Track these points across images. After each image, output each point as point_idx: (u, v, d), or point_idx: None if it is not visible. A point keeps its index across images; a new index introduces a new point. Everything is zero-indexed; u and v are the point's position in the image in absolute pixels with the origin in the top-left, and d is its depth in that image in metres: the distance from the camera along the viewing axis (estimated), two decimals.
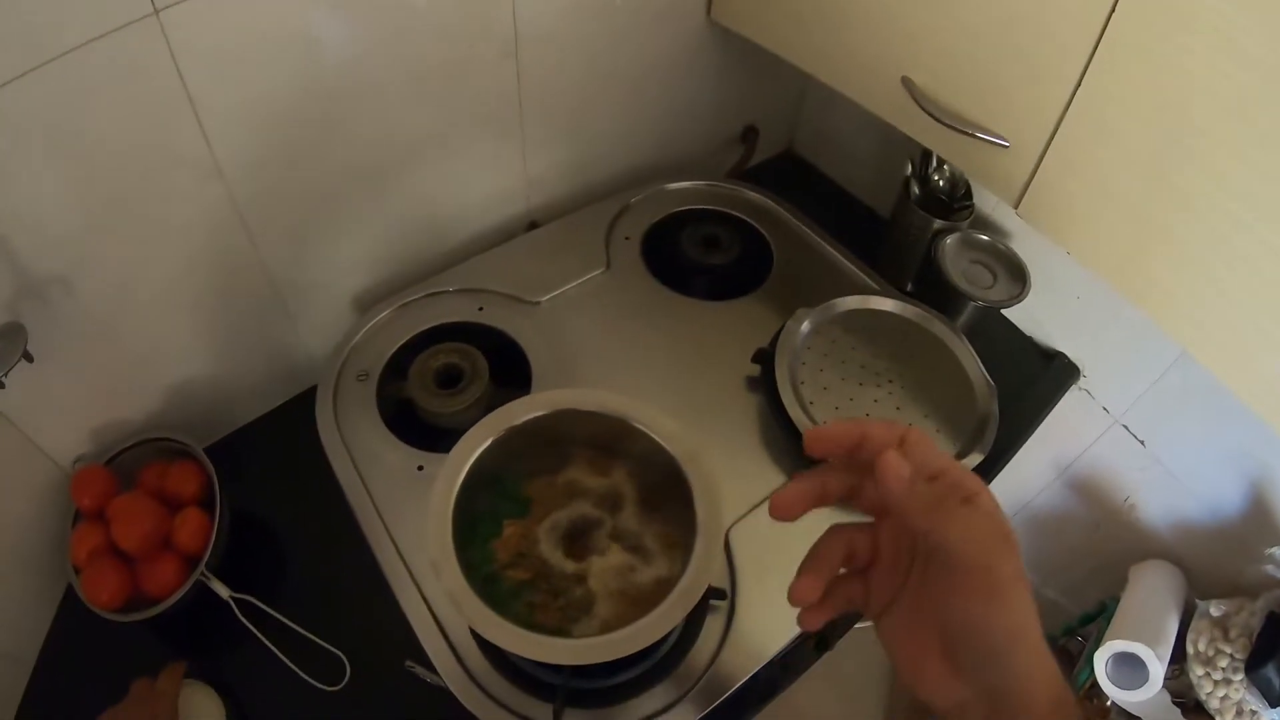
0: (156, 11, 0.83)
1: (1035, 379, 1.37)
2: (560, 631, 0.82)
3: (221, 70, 0.93)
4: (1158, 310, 0.89)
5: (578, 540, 0.88)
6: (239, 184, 1.03)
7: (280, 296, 1.19)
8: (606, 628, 0.82)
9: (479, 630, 0.77)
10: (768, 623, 0.98)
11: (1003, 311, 1.39)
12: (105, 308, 1.02)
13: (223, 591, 1.05)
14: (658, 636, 0.79)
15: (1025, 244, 1.33)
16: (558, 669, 0.92)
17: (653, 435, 0.88)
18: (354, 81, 1.04)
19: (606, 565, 0.86)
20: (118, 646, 1.05)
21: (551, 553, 0.86)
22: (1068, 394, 1.41)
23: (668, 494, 0.88)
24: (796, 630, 0.98)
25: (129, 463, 1.12)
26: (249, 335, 1.21)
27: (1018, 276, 1.29)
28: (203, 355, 1.18)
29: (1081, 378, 1.41)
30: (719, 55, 1.40)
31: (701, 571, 0.81)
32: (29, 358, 0.92)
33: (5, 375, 0.89)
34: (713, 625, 0.99)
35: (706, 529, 0.83)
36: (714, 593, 0.95)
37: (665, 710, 0.92)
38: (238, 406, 1.28)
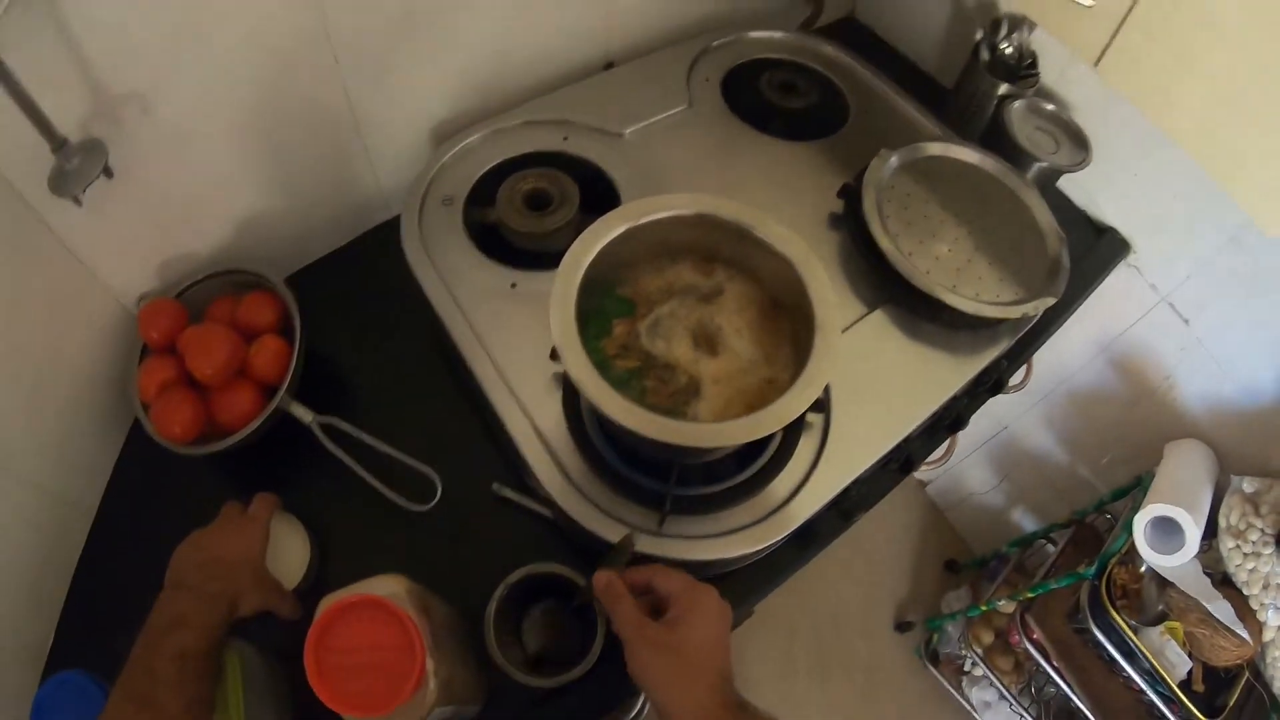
0: None
1: (1086, 252, 1.37)
2: (674, 414, 0.83)
3: None
4: (1227, 178, 0.91)
5: (685, 337, 0.88)
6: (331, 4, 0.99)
7: (359, 126, 1.16)
8: (719, 418, 0.84)
9: (604, 408, 0.77)
10: (859, 442, 1.00)
11: (1058, 185, 1.39)
12: (181, 131, 0.99)
13: (305, 416, 1.03)
14: (780, 425, 0.79)
15: (1085, 117, 1.32)
16: (664, 475, 0.92)
17: (767, 240, 0.87)
18: None
19: (718, 363, 0.87)
20: (189, 482, 1.04)
21: (658, 346, 0.87)
22: (1115, 270, 1.42)
23: (779, 302, 0.89)
24: (888, 446, 1.01)
25: (197, 298, 1.10)
26: (322, 166, 1.18)
27: (1080, 144, 1.30)
28: (274, 185, 1.15)
29: (1131, 254, 1.41)
30: None
31: (823, 365, 0.81)
32: (109, 173, 0.89)
33: (84, 192, 0.87)
34: (806, 445, 0.99)
35: (825, 327, 0.83)
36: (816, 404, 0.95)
37: (756, 523, 0.94)
38: (309, 240, 1.25)
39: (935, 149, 1.20)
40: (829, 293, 0.84)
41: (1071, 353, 1.64)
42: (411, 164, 1.22)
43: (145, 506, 1.06)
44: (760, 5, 1.53)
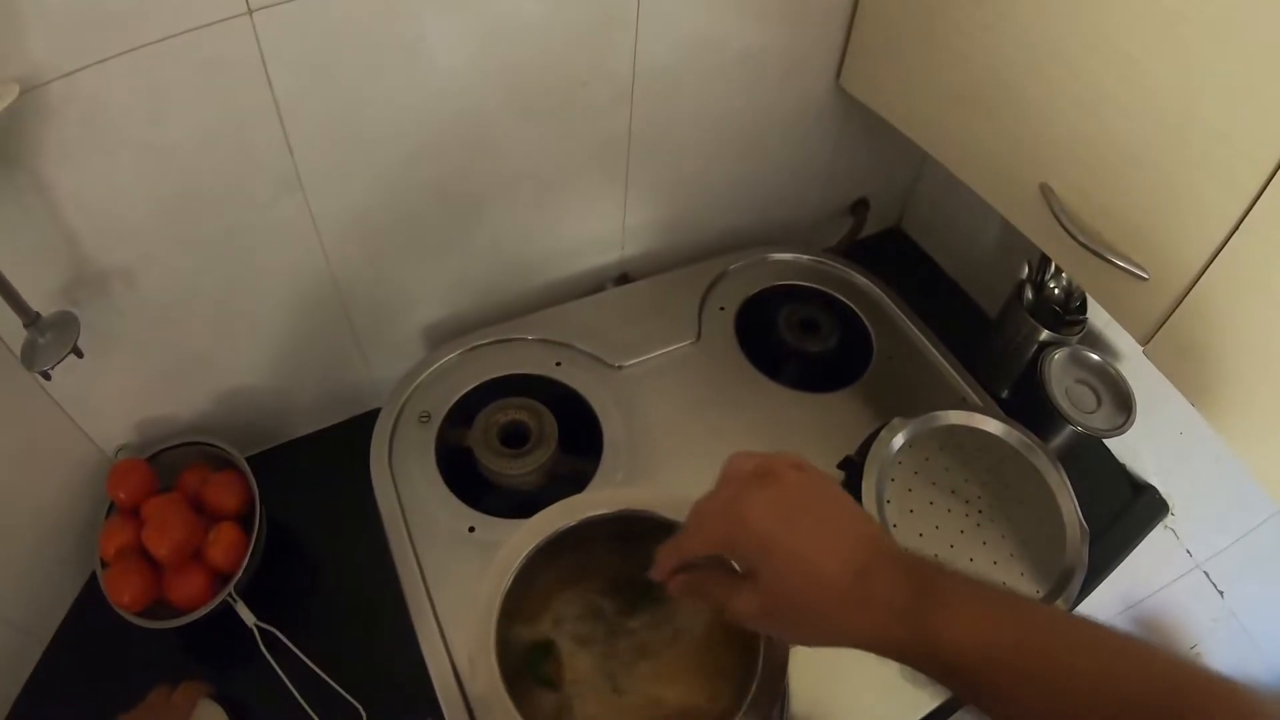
0: (250, 11, 0.80)
1: (1123, 510, 1.31)
2: None
3: (312, 77, 0.89)
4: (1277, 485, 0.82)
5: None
6: (318, 196, 1.00)
7: (349, 316, 1.16)
8: None
9: None
10: None
11: None
12: (166, 306, 1.01)
13: (248, 618, 1.02)
14: None
15: (1137, 366, 1.25)
16: None
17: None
18: (455, 102, 1.00)
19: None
20: (134, 645, 1.03)
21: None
22: (1153, 531, 1.34)
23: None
24: None
25: (172, 461, 1.11)
26: (311, 351, 1.18)
27: (1123, 405, 1.22)
28: (260, 364, 1.16)
29: (1169, 515, 1.33)
30: (840, 123, 1.35)
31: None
32: (78, 353, 0.90)
33: (52, 368, 0.88)
34: None
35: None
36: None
37: None
38: (291, 419, 1.25)
39: (954, 418, 1.13)
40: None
41: (1095, 605, 1.55)
42: (404, 358, 1.20)
43: (95, 653, 1.06)
44: (801, 215, 1.49)
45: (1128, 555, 1.29)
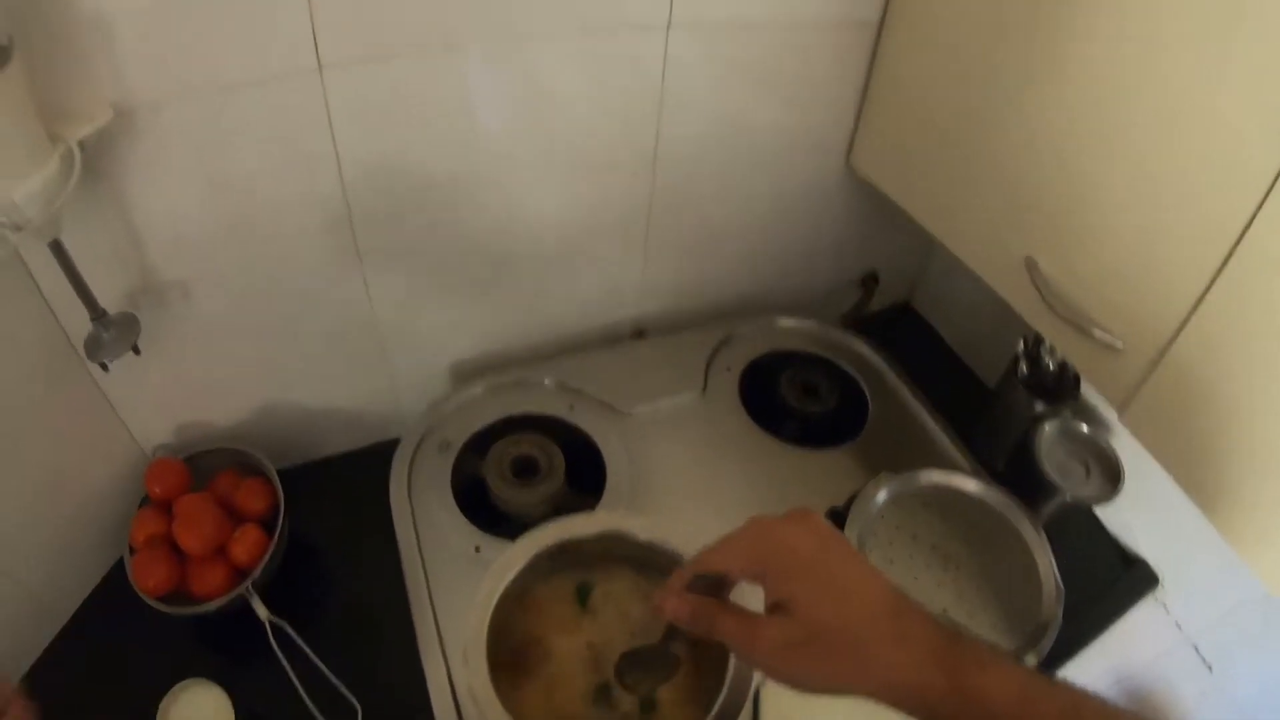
0: (320, 69, 0.90)
1: (1112, 581, 1.33)
2: None
3: (369, 128, 0.99)
4: (1247, 548, 0.86)
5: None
6: (365, 234, 1.09)
7: (383, 348, 1.24)
8: None
9: None
10: None
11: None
12: (217, 320, 1.09)
13: (261, 612, 1.07)
14: None
15: (1129, 440, 1.23)
16: None
17: None
18: (493, 159, 1.09)
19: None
20: (151, 630, 1.08)
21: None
22: (1142, 603, 1.35)
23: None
24: None
25: (205, 464, 1.18)
26: (346, 376, 1.26)
27: (1112, 475, 1.24)
28: (298, 383, 1.24)
29: (1159, 588, 1.34)
30: (851, 200, 1.41)
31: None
32: (136, 351, 1.00)
33: (111, 362, 0.97)
34: None
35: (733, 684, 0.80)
36: None
37: None
38: (321, 438, 1.32)
39: (936, 477, 1.17)
40: None
41: (1083, 677, 1.55)
42: (430, 391, 1.28)
43: (112, 630, 1.11)
44: (813, 285, 1.55)
45: (1115, 624, 1.31)
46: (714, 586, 0.66)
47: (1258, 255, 0.75)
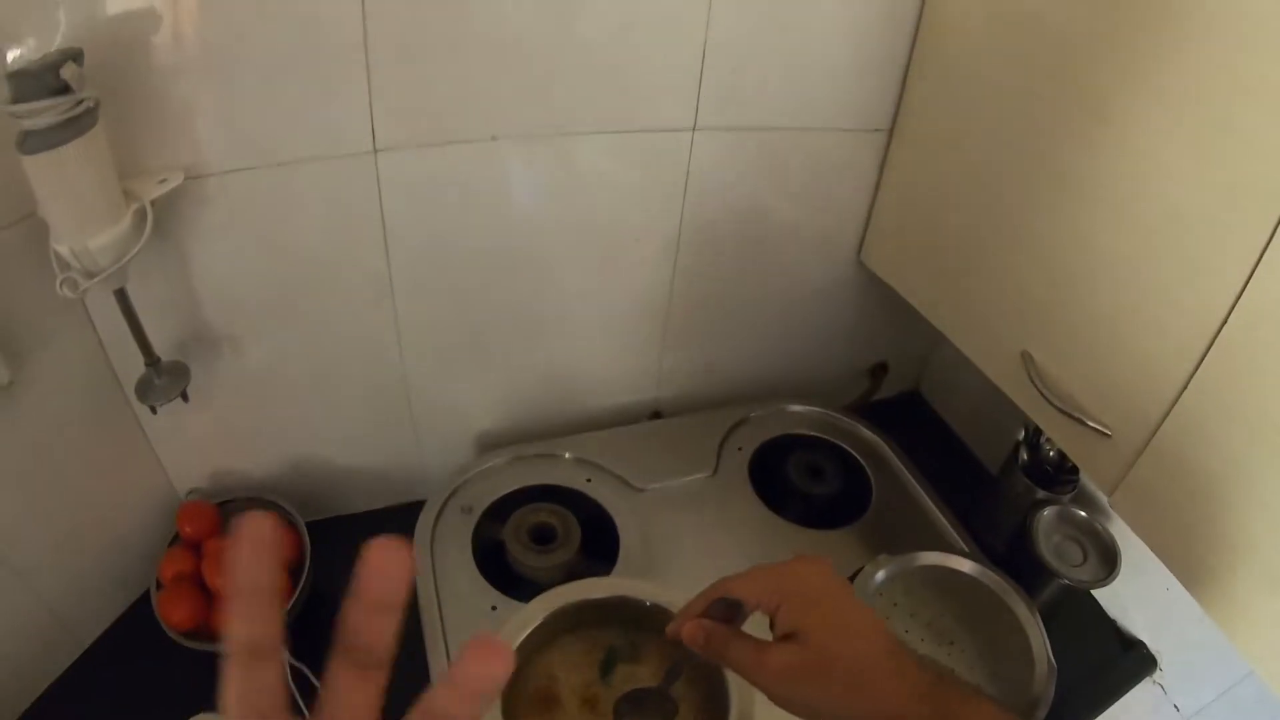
0: (375, 152, 0.98)
1: (1110, 663, 1.33)
2: None
3: (416, 206, 1.07)
4: (1232, 628, 0.87)
5: None
6: (405, 304, 1.16)
7: (413, 413, 1.30)
8: None
9: None
10: None
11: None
12: (261, 375, 1.16)
13: (283, 655, 1.10)
14: None
15: (1122, 527, 1.24)
16: None
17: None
18: (528, 237, 1.17)
19: None
20: (170, 664, 1.10)
21: None
22: (1140, 685, 1.34)
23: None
24: None
25: (235, 510, 1.20)
26: (376, 437, 1.31)
27: (1108, 559, 1.25)
28: (331, 441, 1.29)
29: (1157, 671, 1.33)
30: (862, 293, 1.46)
31: None
32: (185, 398, 1.05)
33: (160, 405, 1.03)
34: None
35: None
36: None
37: None
38: (348, 495, 1.36)
39: (933, 558, 1.20)
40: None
41: None
42: (455, 458, 1.34)
43: (132, 660, 1.14)
44: (824, 373, 1.60)
45: (1113, 705, 1.30)
46: (725, 618, 0.70)
47: (1236, 345, 0.79)
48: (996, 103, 1.05)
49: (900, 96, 1.21)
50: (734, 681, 0.87)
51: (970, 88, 1.09)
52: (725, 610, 0.70)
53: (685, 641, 0.70)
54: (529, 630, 0.92)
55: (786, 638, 0.66)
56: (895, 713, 0.62)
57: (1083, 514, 1.30)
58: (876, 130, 1.23)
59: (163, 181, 0.89)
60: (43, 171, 0.77)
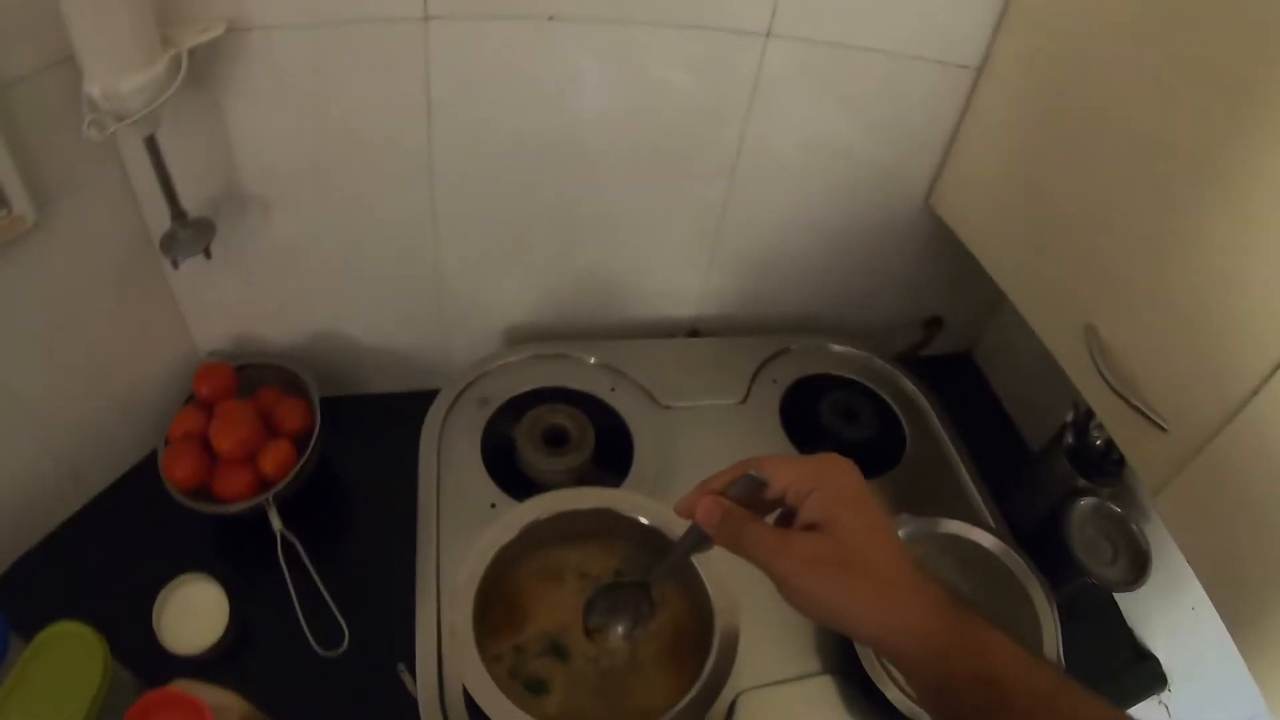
0: (426, 19, 0.94)
1: (1119, 674, 1.29)
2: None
3: (465, 87, 1.03)
4: (1256, 663, 0.81)
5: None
6: (443, 189, 1.13)
7: (442, 299, 1.27)
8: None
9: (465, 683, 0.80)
10: None
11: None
12: (289, 242, 1.15)
13: (276, 524, 1.10)
14: None
15: (1163, 533, 1.18)
16: None
17: (701, 574, 0.87)
18: (579, 140, 1.12)
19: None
20: (169, 522, 1.12)
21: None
22: (1145, 702, 1.30)
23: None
24: None
25: (253, 376, 1.22)
26: (402, 319, 1.30)
27: (1139, 563, 1.20)
28: (355, 318, 1.28)
29: (1166, 691, 1.30)
30: (926, 239, 1.39)
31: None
32: (208, 254, 1.05)
33: (183, 260, 1.03)
34: None
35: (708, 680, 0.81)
36: None
37: None
38: (366, 374, 1.35)
39: (955, 527, 1.15)
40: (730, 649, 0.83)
41: None
42: (479, 349, 1.30)
43: (135, 513, 1.17)
44: (873, 319, 1.54)
45: None
46: (744, 503, 0.66)
47: None
48: (1100, 61, 0.96)
49: (994, 35, 1.12)
50: (718, 597, 0.86)
51: (1071, 42, 1.01)
52: (746, 493, 0.66)
53: (698, 519, 0.66)
54: (516, 532, 0.89)
55: (811, 528, 0.62)
56: (915, 623, 0.59)
57: (1119, 510, 1.25)
58: (964, 67, 1.15)
59: (204, 30, 0.87)
60: (79, 7, 0.76)
